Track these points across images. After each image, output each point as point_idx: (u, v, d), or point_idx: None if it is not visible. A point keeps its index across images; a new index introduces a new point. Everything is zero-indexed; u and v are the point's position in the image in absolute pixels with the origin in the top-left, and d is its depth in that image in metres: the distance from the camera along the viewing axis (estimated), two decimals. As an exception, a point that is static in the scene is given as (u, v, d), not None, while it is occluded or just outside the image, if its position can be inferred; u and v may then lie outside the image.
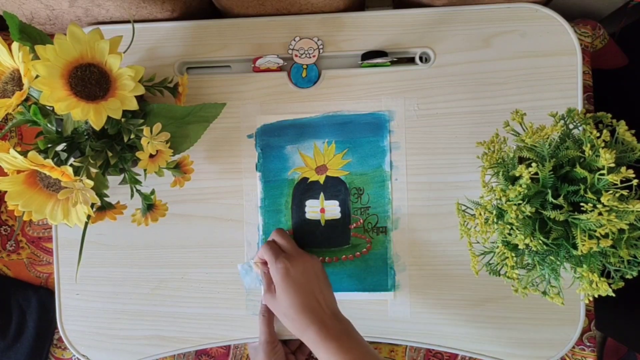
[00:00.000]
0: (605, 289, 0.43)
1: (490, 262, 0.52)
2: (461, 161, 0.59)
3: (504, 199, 0.45)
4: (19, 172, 0.45)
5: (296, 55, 0.60)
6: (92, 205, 0.46)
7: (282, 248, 0.57)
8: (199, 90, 0.61)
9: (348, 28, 0.60)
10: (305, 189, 0.61)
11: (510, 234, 0.45)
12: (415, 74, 0.60)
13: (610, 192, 0.41)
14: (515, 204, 0.44)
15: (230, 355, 0.65)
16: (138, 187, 0.52)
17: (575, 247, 0.43)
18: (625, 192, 0.41)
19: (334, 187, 0.61)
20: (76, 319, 0.62)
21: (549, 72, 0.59)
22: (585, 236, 0.42)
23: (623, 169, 0.41)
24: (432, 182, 0.60)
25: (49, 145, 0.46)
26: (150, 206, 0.54)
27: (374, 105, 0.60)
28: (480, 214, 0.47)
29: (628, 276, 0.45)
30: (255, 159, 0.61)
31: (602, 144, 0.42)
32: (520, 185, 0.43)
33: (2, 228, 0.67)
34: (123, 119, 0.48)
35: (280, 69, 0.61)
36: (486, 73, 0.59)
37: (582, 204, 0.43)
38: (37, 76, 0.41)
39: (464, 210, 0.53)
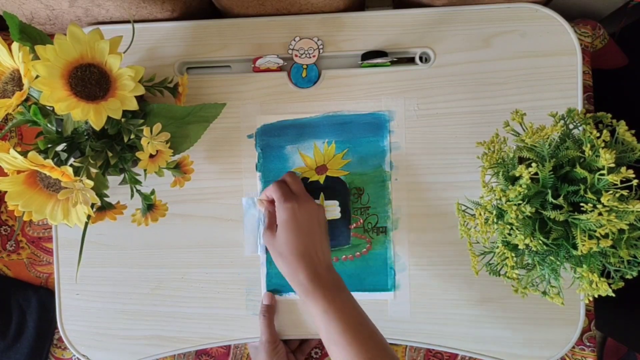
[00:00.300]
0: (605, 289, 0.43)
1: (490, 262, 0.52)
2: (461, 161, 0.59)
3: (504, 199, 0.45)
4: (19, 172, 0.45)
5: (296, 55, 0.60)
6: (92, 206, 0.46)
7: (292, 190, 0.56)
8: (199, 90, 0.61)
9: (348, 28, 0.60)
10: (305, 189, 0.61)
11: (510, 234, 0.46)
12: (415, 74, 0.60)
13: (610, 192, 0.41)
14: (515, 204, 0.44)
15: (231, 355, 0.65)
16: (138, 187, 0.52)
17: (575, 247, 0.43)
18: (625, 192, 0.41)
19: (333, 187, 0.61)
20: (76, 319, 0.62)
21: (549, 72, 0.59)
22: (585, 236, 0.42)
23: (623, 169, 0.41)
24: (432, 182, 0.60)
25: (49, 146, 0.46)
26: (150, 206, 0.54)
27: (374, 105, 0.60)
28: (480, 214, 0.47)
29: (628, 276, 0.45)
30: (255, 159, 0.61)
31: (602, 144, 0.42)
32: (520, 186, 0.43)
33: (2, 228, 0.67)
34: (123, 119, 0.48)
35: (280, 69, 0.61)
36: (486, 73, 0.59)
37: (582, 204, 0.43)
38: (37, 76, 0.41)
39: (464, 210, 0.53)
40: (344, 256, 0.61)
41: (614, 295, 0.44)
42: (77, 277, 0.61)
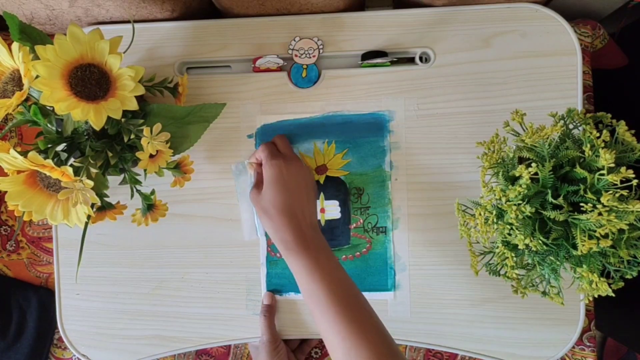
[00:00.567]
0: (605, 289, 0.43)
1: (490, 262, 0.52)
2: (461, 161, 0.59)
3: (503, 199, 0.45)
4: (19, 172, 0.45)
5: (296, 55, 0.60)
6: (92, 206, 0.46)
7: (280, 150, 0.57)
8: (199, 90, 0.61)
9: (348, 28, 0.60)
10: (305, 189, 0.61)
11: (510, 234, 0.46)
12: (415, 74, 0.60)
13: (610, 192, 0.41)
14: (515, 204, 0.44)
15: (231, 355, 0.65)
16: (138, 187, 0.52)
17: (575, 247, 0.43)
18: (625, 192, 0.41)
19: (334, 187, 0.61)
20: (76, 318, 0.62)
21: (549, 72, 0.59)
22: (585, 236, 0.42)
23: (623, 169, 0.41)
24: (432, 182, 0.60)
25: (49, 146, 0.46)
26: (150, 206, 0.54)
27: (374, 105, 0.60)
28: (480, 214, 0.47)
29: (628, 276, 0.45)
30: (255, 159, 0.61)
31: (602, 144, 0.42)
32: (520, 186, 0.43)
33: (2, 228, 0.67)
34: (123, 119, 0.48)
35: (280, 69, 0.61)
36: (486, 73, 0.59)
37: (582, 204, 0.43)
38: (37, 76, 0.41)
39: (464, 210, 0.53)
40: (344, 256, 0.61)
41: (613, 295, 0.44)
42: (77, 277, 0.61)
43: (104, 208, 0.51)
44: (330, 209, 0.61)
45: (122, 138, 0.49)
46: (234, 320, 0.61)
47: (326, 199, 0.61)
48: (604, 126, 0.46)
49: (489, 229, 0.47)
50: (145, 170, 0.50)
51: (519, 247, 0.44)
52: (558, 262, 0.45)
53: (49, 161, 0.42)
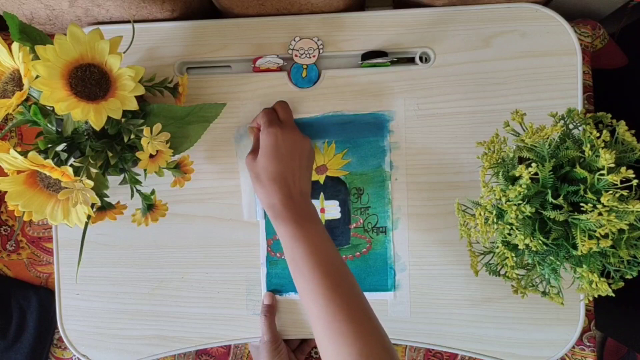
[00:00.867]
0: (605, 289, 0.43)
1: (490, 262, 0.52)
2: (461, 161, 0.59)
3: (503, 199, 0.45)
4: (19, 172, 0.45)
5: (296, 55, 0.60)
6: (92, 206, 0.46)
7: (280, 118, 0.56)
8: (199, 90, 0.61)
9: (348, 28, 0.60)
10: (305, 189, 0.61)
11: (510, 234, 0.46)
12: (415, 74, 0.60)
13: (610, 192, 0.41)
14: (515, 204, 0.44)
15: (231, 355, 0.65)
16: (138, 187, 0.52)
17: (575, 247, 0.43)
18: (625, 193, 0.41)
19: (333, 187, 0.61)
20: (76, 318, 0.62)
21: (549, 72, 0.59)
22: (585, 236, 0.42)
23: (623, 169, 0.41)
24: (432, 182, 0.60)
25: (49, 146, 0.46)
26: (150, 206, 0.54)
27: (374, 105, 0.60)
28: (480, 214, 0.47)
29: (628, 276, 0.45)
30: (255, 159, 0.61)
31: (602, 144, 0.42)
32: (520, 186, 0.43)
33: (2, 228, 0.67)
34: (123, 119, 0.48)
35: (280, 69, 0.61)
36: (486, 73, 0.59)
37: (582, 204, 0.43)
38: (37, 76, 0.41)
39: (464, 210, 0.53)
40: (344, 256, 0.61)
41: (614, 295, 0.44)
42: (77, 277, 0.61)
43: (104, 208, 0.51)
44: (330, 209, 0.61)
45: (122, 138, 0.48)
46: (234, 320, 0.61)
47: (326, 199, 0.61)
48: (604, 126, 0.46)
49: (489, 229, 0.47)
50: (145, 170, 0.50)
51: (519, 247, 0.44)
52: (558, 262, 0.45)
53: (49, 161, 0.42)
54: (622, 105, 0.78)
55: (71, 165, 0.43)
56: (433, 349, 0.63)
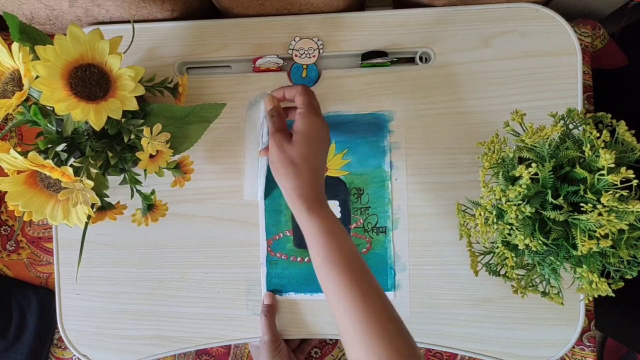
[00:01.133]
0: (605, 289, 0.43)
1: (490, 262, 0.52)
2: (461, 161, 0.59)
3: (503, 199, 0.45)
4: (19, 172, 0.45)
5: (296, 55, 0.60)
6: (92, 206, 0.46)
7: (315, 104, 0.51)
8: (199, 90, 0.61)
9: (348, 28, 0.60)
10: (305, 189, 0.61)
11: (510, 234, 0.46)
12: (415, 74, 0.60)
13: (610, 192, 0.41)
14: (515, 204, 0.44)
15: (231, 355, 0.65)
16: (138, 187, 0.52)
17: (575, 247, 0.43)
18: (625, 193, 0.41)
19: (334, 187, 0.61)
20: (76, 318, 0.62)
21: (549, 72, 0.59)
22: (585, 236, 0.42)
23: (623, 169, 0.41)
24: (432, 182, 0.60)
25: (49, 146, 0.46)
26: (150, 206, 0.54)
27: (374, 105, 0.60)
28: (480, 214, 0.47)
29: (628, 276, 0.45)
30: (255, 159, 0.61)
31: (602, 144, 0.42)
32: (520, 186, 0.43)
33: (2, 228, 0.67)
34: (123, 119, 0.48)
35: (280, 69, 0.61)
36: (486, 73, 0.59)
37: (582, 204, 0.43)
38: (37, 76, 0.41)
39: (464, 210, 0.53)
40: (344, 256, 0.61)
41: (614, 295, 0.44)
42: (77, 277, 0.61)
43: (104, 208, 0.51)
44: (330, 209, 0.61)
45: (122, 138, 0.48)
46: (234, 320, 0.61)
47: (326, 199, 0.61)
48: (604, 126, 0.46)
49: (489, 229, 0.47)
50: (145, 170, 0.50)
51: (519, 247, 0.44)
52: (558, 262, 0.45)
53: (49, 161, 0.42)
54: (622, 105, 0.78)
55: (71, 166, 0.43)
56: (433, 349, 0.63)
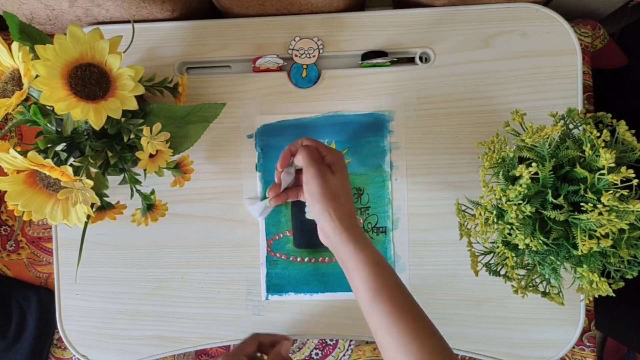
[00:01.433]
0: (605, 289, 0.43)
1: (490, 262, 0.52)
2: (461, 161, 0.59)
3: (504, 199, 0.45)
4: (18, 172, 0.45)
5: (296, 55, 0.60)
6: (92, 205, 0.46)
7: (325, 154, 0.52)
8: (199, 90, 0.61)
9: (348, 28, 0.60)
10: (305, 189, 0.61)
11: (510, 234, 0.46)
12: (415, 74, 0.60)
13: (611, 192, 0.41)
14: (515, 204, 0.44)
15: (230, 355, 0.65)
16: (138, 187, 0.52)
17: (575, 247, 0.43)
18: (625, 192, 0.41)
19: (334, 187, 0.61)
20: (76, 319, 0.62)
21: (549, 72, 0.59)
22: (585, 236, 0.42)
23: (623, 169, 0.41)
24: (432, 182, 0.60)
25: (49, 145, 0.46)
26: (150, 206, 0.54)
27: (374, 105, 0.60)
28: (480, 214, 0.47)
29: (628, 276, 0.45)
30: (255, 159, 0.61)
31: (602, 144, 0.42)
32: (521, 185, 0.43)
33: (2, 228, 0.67)
34: (123, 119, 0.48)
35: (280, 69, 0.61)
36: (486, 73, 0.59)
37: (582, 204, 0.43)
38: (37, 76, 0.41)
39: (464, 210, 0.53)
40: (344, 256, 0.61)
41: (614, 295, 0.44)
42: (77, 277, 0.61)
43: (104, 208, 0.51)
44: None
45: (122, 138, 0.48)
46: (234, 320, 0.61)
47: (326, 199, 0.61)
48: (604, 126, 0.46)
49: (489, 229, 0.47)
50: (145, 170, 0.50)
51: (519, 247, 0.44)
52: (558, 262, 0.45)
53: (49, 161, 0.42)
54: (622, 105, 0.77)
55: (71, 165, 0.43)
56: (433, 349, 0.63)
